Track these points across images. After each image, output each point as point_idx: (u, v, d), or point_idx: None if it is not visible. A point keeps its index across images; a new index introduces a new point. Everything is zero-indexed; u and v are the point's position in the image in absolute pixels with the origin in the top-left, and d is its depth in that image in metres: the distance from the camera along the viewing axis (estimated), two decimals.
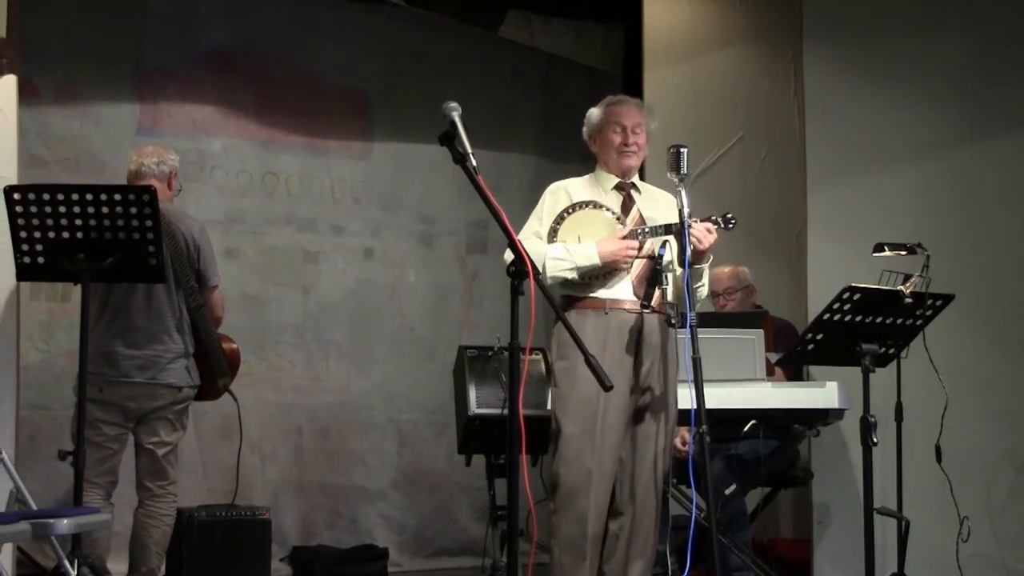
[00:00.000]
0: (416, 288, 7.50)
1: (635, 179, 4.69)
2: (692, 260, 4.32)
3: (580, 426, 4.41)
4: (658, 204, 4.66)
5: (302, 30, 7.21)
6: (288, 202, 7.15)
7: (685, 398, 4.25)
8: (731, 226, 4.48)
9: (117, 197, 4.39)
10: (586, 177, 4.71)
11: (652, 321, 4.50)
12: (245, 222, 7.00)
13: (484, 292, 7.58)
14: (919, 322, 4.84)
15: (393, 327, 7.41)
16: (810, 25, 6.57)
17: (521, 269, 3.42)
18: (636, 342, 4.46)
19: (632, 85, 7.36)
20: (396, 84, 7.42)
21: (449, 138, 3.47)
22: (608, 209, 4.53)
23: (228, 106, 6.97)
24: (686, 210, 4.31)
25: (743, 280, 6.25)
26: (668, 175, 4.38)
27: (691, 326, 4.22)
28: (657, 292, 4.48)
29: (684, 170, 4.34)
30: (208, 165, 6.92)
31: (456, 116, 3.48)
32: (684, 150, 4.34)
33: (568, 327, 3.77)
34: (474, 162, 3.45)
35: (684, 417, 4.33)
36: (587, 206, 4.53)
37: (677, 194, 4.34)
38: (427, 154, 7.23)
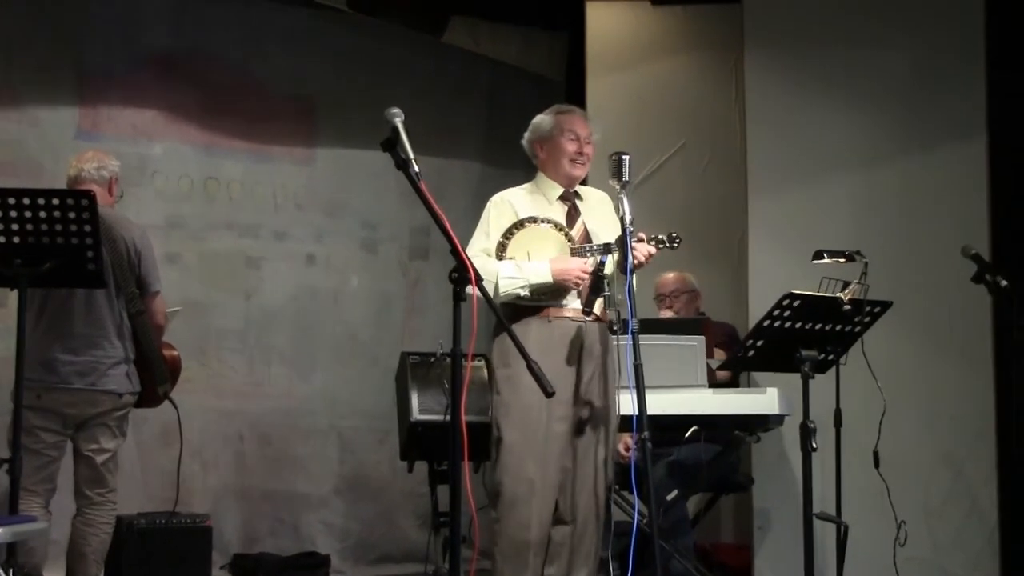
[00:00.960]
0: (359, 294, 7.48)
1: (577, 186, 4.70)
2: (619, 266, 4.38)
3: (522, 434, 4.42)
4: (601, 210, 4.68)
5: (247, 34, 7.17)
6: (230, 208, 7.11)
7: (627, 404, 4.27)
8: (676, 246, 4.53)
9: (55, 201, 4.34)
10: (527, 186, 4.70)
11: (594, 329, 4.52)
12: (186, 227, 6.95)
13: (427, 299, 7.57)
14: (858, 329, 4.87)
15: (336, 333, 7.39)
16: (751, 33, 6.62)
17: (463, 276, 3.43)
18: (578, 350, 4.48)
19: (576, 92, 7.40)
20: (341, 90, 7.40)
21: (392, 144, 3.47)
22: (555, 224, 4.54)
23: (170, 110, 6.92)
24: (628, 217, 4.32)
25: (689, 284, 6.29)
26: (610, 182, 4.40)
27: (633, 332, 4.23)
28: (599, 300, 4.50)
29: (626, 177, 4.36)
30: (149, 170, 6.87)
31: (399, 122, 3.48)
32: (626, 157, 4.37)
33: (511, 334, 3.78)
34: (416, 168, 3.45)
35: (626, 423, 4.35)
36: (535, 222, 4.53)
37: (619, 201, 4.36)
38: (371, 160, 7.20)
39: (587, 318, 4.50)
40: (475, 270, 3.45)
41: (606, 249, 4.46)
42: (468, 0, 7.56)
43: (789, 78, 6.52)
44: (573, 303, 4.52)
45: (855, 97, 6.48)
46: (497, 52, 7.87)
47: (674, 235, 4.54)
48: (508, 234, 4.50)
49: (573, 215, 4.62)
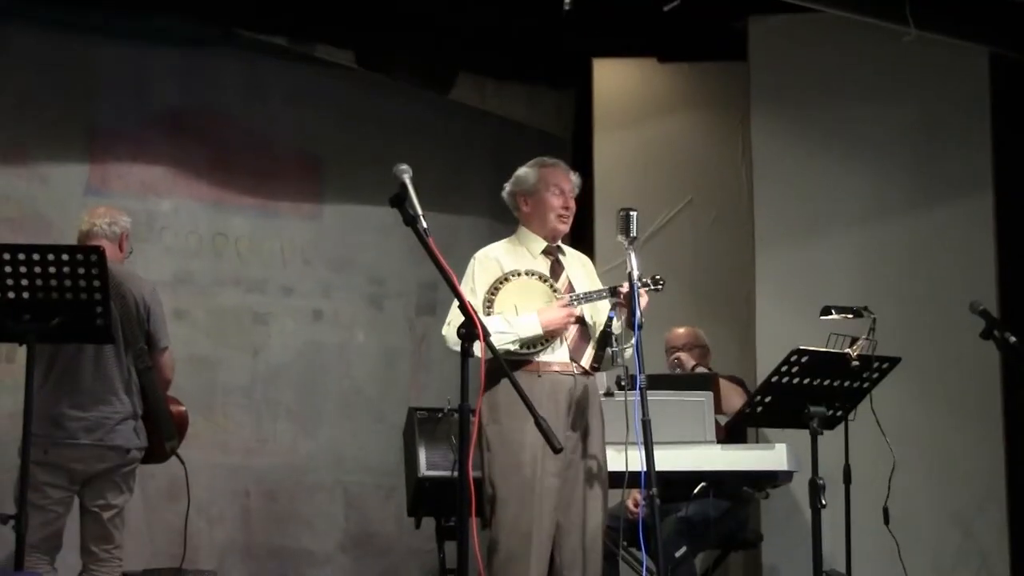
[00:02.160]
0: (365, 350, 7.47)
1: (559, 243, 4.72)
2: (618, 319, 4.39)
3: (517, 490, 4.40)
4: (581, 269, 4.71)
5: (254, 92, 7.21)
6: (238, 263, 7.12)
7: (636, 460, 4.26)
8: (660, 287, 4.54)
9: (64, 257, 4.36)
10: (508, 241, 4.71)
11: (584, 384, 4.52)
12: (194, 283, 6.96)
13: (433, 354, 7.55)
14: (866, 384, 4.88)
15: (342, 389, 7.37)
16: (758, 91, 6.67)
17: (472, 332, 3.44)
18: (568, 405, 4.48)
19: (582, 149, 7.44)
20: (348, 146, 7.42)
21: (400, 200, 3.47)
22: (540, 277, 4.55)
23: (179, 167, 6.95)
24: (635, 273, 4.34)
25: (700, 339, 6.28)
26: (618, 238, 4.41)
27: (641, 388, 4.23)
28: (590, 354, 4.51)
29: (634, 233, 4.38)
30: (157, 226, 6.89)
31: (407, 178, 3.49)
32: (634, 213, 4.39)
33: (519, 390, 3.75)
34: (424, 224, 3.46)
35: (634, 479, 4.34)
36: (520, 275, 4.54)
37: (627, 257, 4.37)
38: (378, 216, 7.22)
39: (576, 372, 4.49)
40: (483, 326, 3.46)
41: (598, 296, 4.47)
42: (475, 57, 7.61)
43: (796, 134, 6.57)
44: (561, 356, 4.52)
45: (861, 152, 6.52)
46: (504, 109, 7.91)
47: (657, 277, 4.55)
48: (494, 289, 4.51)
49: (557, 268, 4.64)
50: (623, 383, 4.39)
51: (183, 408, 5.22)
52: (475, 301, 4.51)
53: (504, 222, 7.53)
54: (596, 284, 4.67)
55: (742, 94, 6.81)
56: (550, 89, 8.02)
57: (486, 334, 3.48)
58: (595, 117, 7.33)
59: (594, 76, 7.37)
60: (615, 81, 7.40)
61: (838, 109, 6.53)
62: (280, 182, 7.27)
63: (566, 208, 4.62)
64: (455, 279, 3.49)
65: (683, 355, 6.13)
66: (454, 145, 7.81)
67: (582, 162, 6.91)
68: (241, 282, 7.12)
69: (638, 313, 4.32)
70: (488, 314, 4.45)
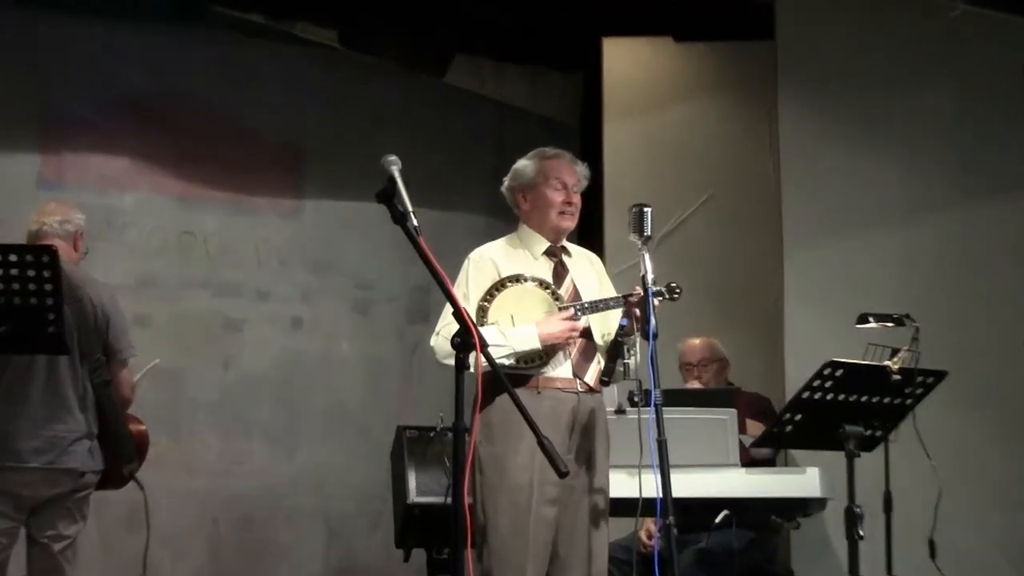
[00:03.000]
0: (350, 361, 7.47)
1: (564, 241, 4.68)
2: (628, 332, 4.34)
3: (511, 518, 4.34)
4: (590, 269, 4.66)
5: (228, 75, 7.21)
6: (207, 264, 7.12)
7: (650, 485, 4.22)
8: (676, 297, 4.49)
9: (13, 258, 4.32)
10: (507, 240, 4.66)
11: (588, 402, 4.47)
12: (159, 286, 6.95)
13: (425, 366, 7.51)
14: (908, 401, 4.84)
15: (323, 404, 7.36)
16: (786, 75, 6.64)
17: (467, 341, 3.40)
18: (570, 426, 4.43)
19: (591, 137, 7.42)
20: (331, 135, 7.42)
21: (388, 195, 3.45)
22: (541, 283, 4.51)
23: (143, 158, 6.94)
24: (649, 276, 4.30)
25: (717, 352, 6.25)
26: (630, 237, 4.38)
27: (656, 405, 4.19)
28: (595, 369, 4.47)
29: (647, 232, 4.34)
30: (118, 223, 6.88)
31: (396, 171, 3.46)
32: (648, 210, 4.35)
33: (520, 407, 3.71)
34: (416, 222, 3.43)
35: (649, 507, 4.30)
36: (518, 281, 4.50)
37: (640, 258, 4.33)
38: (364, 213, 7.22)
39: (580, 389, 4.46)
40: (480, 335, 3.42)
41: (605, 305, 4.43)
42: (472, 37, 7.59)
43: (828, 121, 6.54)
44: (564, 371, 4.48)
45: (902, 141, 6.49)
46: (504, 94, 7.90)
47: (673, 285, 4.50)
48: (489, 296, 4.47)
49: (560, 272, 4.58)
50: (636, 399, 4.35)
51: (143, 427, 5.18)
52: (468, 308, 4.44)
53: (504, 219, 7.49)
54: (607, 286, 4.62)
55: (769, 78, 6.78)
56: (555, 72, 8.01)
57: (483, 344, 3.43)
58: (605, 103, 7.31)
59: (604, 57, 7.35)
60: (627, 62, 7.38)
61: (875, 94, 6.49)
62: (256, 174, 7.27)
63: (569, 204, 4.58)
64: (449, 282, 3.45)
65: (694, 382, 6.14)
66: (449, 134, 7.80)
67: (591, 152, 6.87)
68: (211, 285, 7.11)
69: (653, 321, 4.27)
70: (482, 324, 4.40)
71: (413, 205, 3.44)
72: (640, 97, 7.36)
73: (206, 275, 7.11)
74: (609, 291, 4.58)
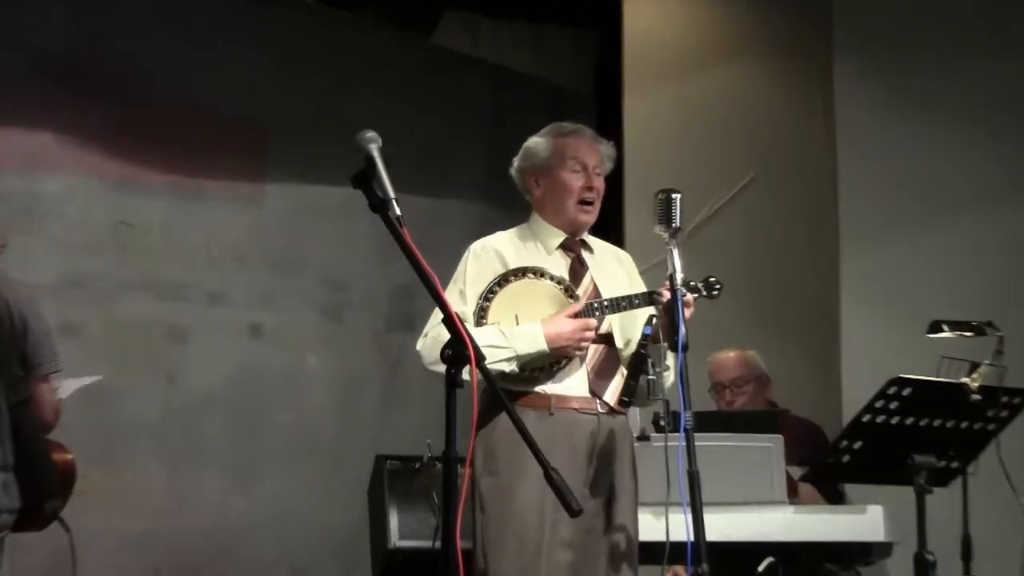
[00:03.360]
0: (319, 376, 7.49)
1: (584, 234, 4.68)
2: (654, 341, 4.33)
3: (518, 564, 4.34)
4: (616, 268, 4.66)
5: (175, 35, 7.20)
6: (149, 261, 7.11)
7: (679, 526, 4.21)
8: (715, 293, 4.51)
9: None
10: (517, 231, 4.68)
11: (610, 426, 4.47)
12: (89, 288, 6.94)
13: (410, 383, 7.53)
14: (991, 426, 4.83)
15: (288, 429, 7.37)
16: (843, 34, 6.65)
17: (460, 353, 3.39)
18: (588, 455, 4.43)
19: (608, 109, 7.42)
20: (299, 106, 7.43)
21: (366, 178, 3.43)
22: (552, 277, 4.50)
23: (70, 133, 6.93)
24: (678, 275, 4.29)
25: (755, 368, 6.25)
26: (655, 229, 4.37)
27: (686, 430, 4.18)
28: (618, 384, 4.46)
29: (676, 222, 4.33)
30: (40, 212, 6.86)
31: (375, 149, 3.44)
32: (676, 196, 4.34)
33: (521, 429, 3.70)
34: (399, 210, 3.41)
35: (678, 553, 4.29)
36: (525, 275, 4.50)
37: (668, 253, 4.32)
38: (337, 200, 7.22)
39: (601, 409, 4.45)
40: (475, 346, 3.41)
41: (629, 303, 4.42)
42: None
43: (893, 92, 6.55)
44: (580, 388, 4.47)
45: (979, 119, 6.50)
46: (503, 57, 7.92)
47: (713, 280, 4.51)
48: (491, 292, 4.47)
49: (578, 269, 4.59)
50: (663, 422, 4.34)
51: (70, 456, 5.16)
52: (466, 308, 4.47)
53: (503, 207, 7.51)
54: (638, 289, 4.60)
55: (821, 39, 6.79)
56: (565, 30, 8.02)
57: (479, 357, 3.41)
58: (625, 68, 7.33)
59: (624, 12, 7.35)
60: (651, 19, 7.40)
61: (948, 61, 6.51)
62: (207, 154, 7.27)
63: (588, 188, 4.59)
64: (437, 282, 3.43)
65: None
66: (437, 106, 7.81)
67: (608, 128, 6.82)
68: (153, 287, 7.10)
69: (682, 329, 4.27)
70: (480, 324, 4.41)
71: (396, 190, 3.42)
72: (667, 60, 7.38)
73: (147, 274, 7.10)
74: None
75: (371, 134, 3.47)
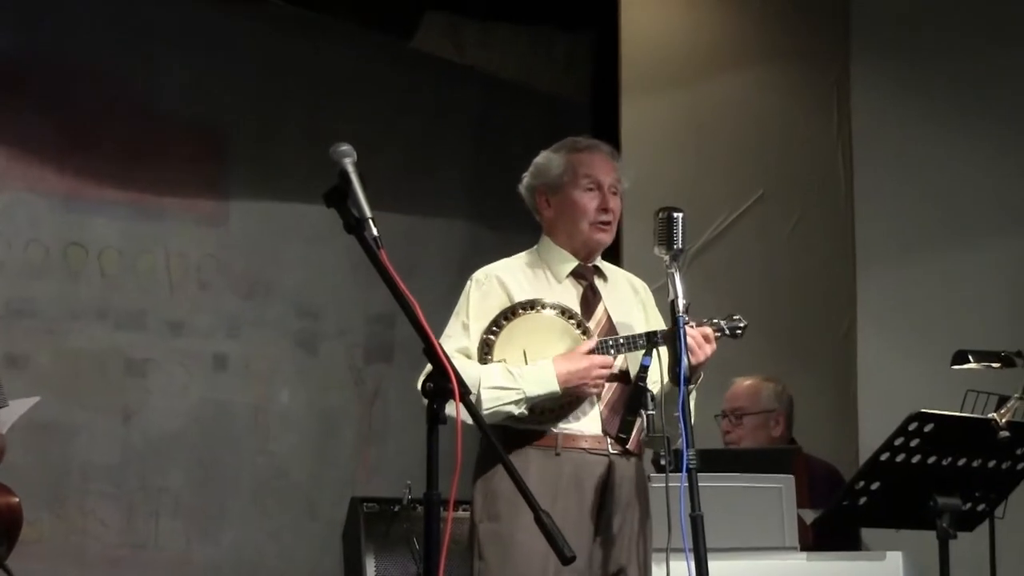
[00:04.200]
0: (290, 413, 7.48)
1: (598, 260, 4.69)
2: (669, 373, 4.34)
3: None
4: (631, 297, 4.68)
5: (130, 37, 7.21)
6: (103, 287, 7.12)
7: (682, 574, 4.24)
8: (739, 333, 4.52)
9: None
10: (525, 256, 4.68)
11: (623, 467, 4.49)
12: (36, 316, 6.95)
13: (389, 419, 7.55)
14: (1021, 465, 4.84)
15: (256, 469, 7.37)
16: (861, 37, 6.66)
17: (443, 387, 3.42)
18: (600, 497, 4.44)
19: (604, 119, 7.42)
20: (264, 117, 7.45)
21: (340, 196, 3.45)
22: (564, 311, 4.52)
23: (14, 146, 6.93)
24: (680, 301, 4.30)
25: (762, 402, 6.21)
26: (656, 250, 4.38)
27: (689, 469, 4.21)
28: (637, 422, 4.47)
29: (679, 244, 4.34)
30: None
31: (350, 164, 3.45)
32: (679, 215, 4.34)
33: (513, 475, 3.73)
34: (375, 231, 3.43)
35: None
36: (533, 308, 4.52)
37: (668, 277, 4.34)
38: (309, 219, 7.23)
39: (616, 452, 4.47)
40: (459, 378, 3.44)
41: (649, 341, 4.43)
42: None
43: (916, 101, 6.56)
44: (592, 427, 4.49)
45: (1010, 129, 6.50)
46: (491, 62, 7.91)
47: (736, 318, 4.52)
48: (495, 326, 4.48)
49: (590, 299, 4.59)
50: (664, 461, 4.36)
51: (16, 499, 5.19)
52: (468, 342, 4.48)
53: (490, 225, 7.57)
54: (655, 321, 4.61)
55: (837, 47, 6.81)
56: (557, 33, 8.02)
57: (463, 391, 3.44)
58: (623, 74, 7.32)
59: (622, 14, 7.35)
60: (653, 21, 7.40)
61: (978, 64, 6.52)
62: (166, 169, 7.27)
63: (604, 210, 4.59)
64: (418, 310, 3.45)
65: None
66: (419, 116, 7.81)
67: (604, 139, 6.79)
68: (108, 314, 7.11)
69: (685, 360, 4.28)
70: (485, 360, 4.43)
71: (373, 208, 3.44)
72: (669, 67, 7.37)
73: (101, 301, 7.11)
74: (659, 326, 4.58)
75: (345, 147, 3.47)
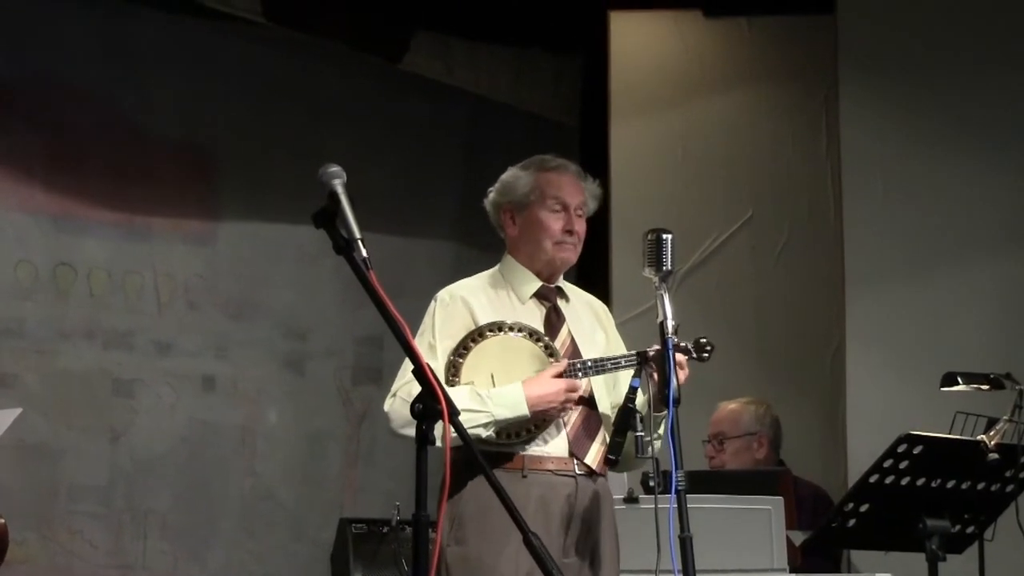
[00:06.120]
0: (278, 434, 7.47)
1: (560, 280, 4.68)
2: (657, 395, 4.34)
3: None
4: (592, 321, 4.67)
5: (116, 56, 7.21)
6: (91, 307, 7.11)
7: None
8: (706, 356, 4.49)
9: None
10: (488, 276, 4.67)
11: (590, 490, 4.47)
12: (24, 336, 6.93)
13: (377, 441, 7.53)
14: (1009, 488, 4.86)
15: (244, 491, 7.36)
16: (849, 58, 6.67)
17: (432, 408, 3.41)
18: (565, 521, 4.43)
19: (593, 141, 7.43)
20: (253, 137, 7.44)
21: (329, 217, 3.45)
22: (531, 333, 4.50)
23: (4, 165, 6.91)
24: (669, 323, 4.30)
25: (743, 425, 6.20)
26: (644, 272, 4.38)
27: (678, 491, 4.20)
28: (598, 448, 4.47)
29: (668, 265, 4.33)
30: None
31: (339, 185, 3.46)
32: (668, 237, 4.34)
33: (501, 494, 3.72)
34: (364, 252, 3.43)
35: None
36: (500, 330, 4.51)
37: (658, 299, 4.34)
38: (298, 240, 7.23)
39: (579, 471, 4.46)
40: (449, 400, 3.43)
41: (639, 361, 4.43)
42: (437, 11, 7.61)
43: (905, 120, 6.56)
44: (558, 449, 4.47)
45: (1002, 148, 6.51)
46: (480, 84, 7.92)
47: (704, 341, 4.49)
48: (463, 348, 4.46)
49: (554, 321, 4.57)
50: (652, 482, 4.36)
51: (1, 520, 5.17)
52: (436, 362, 4.43)
53: (479, 247, 7.55)
54: (616, 344, 4.63)
55: (825, 64, 6.81)
56: (546, 55, 8.03)
57: (452, 412, 3.44)
58: (612, 95, 7.33)
59: (611, 36, 7.37)
60: (641, 43, 7.41)
61: (967, 84, 6.52)
62: (155, 189, 7.26)
63: (569, 232, 4.58)
64: (407, 331, 3.45)
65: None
66: (407, 137, 7.80)
67: (593, 160, 6.89)
68: (96, 335, 7.10)
69: (673, 381, 4.28)
70: (452, 383, 4.41)
71: (362, 229, 3.44)
72: (658, 88, 7.38)
73: (89, 321, 7.09)
74: (619, 350, 4.58)
75: (335, 168, 3.47)
